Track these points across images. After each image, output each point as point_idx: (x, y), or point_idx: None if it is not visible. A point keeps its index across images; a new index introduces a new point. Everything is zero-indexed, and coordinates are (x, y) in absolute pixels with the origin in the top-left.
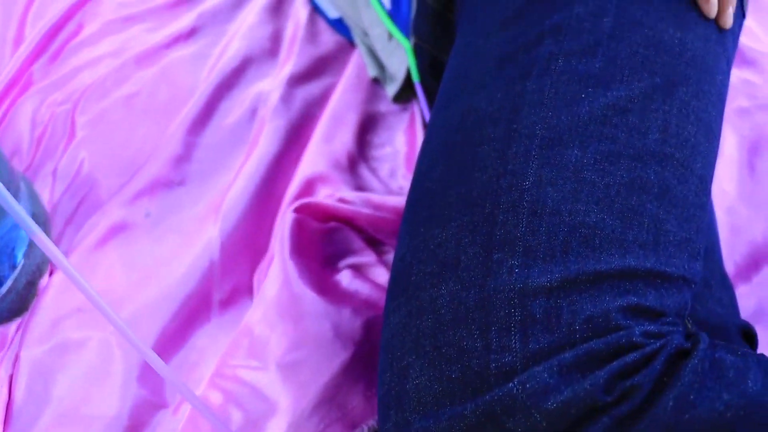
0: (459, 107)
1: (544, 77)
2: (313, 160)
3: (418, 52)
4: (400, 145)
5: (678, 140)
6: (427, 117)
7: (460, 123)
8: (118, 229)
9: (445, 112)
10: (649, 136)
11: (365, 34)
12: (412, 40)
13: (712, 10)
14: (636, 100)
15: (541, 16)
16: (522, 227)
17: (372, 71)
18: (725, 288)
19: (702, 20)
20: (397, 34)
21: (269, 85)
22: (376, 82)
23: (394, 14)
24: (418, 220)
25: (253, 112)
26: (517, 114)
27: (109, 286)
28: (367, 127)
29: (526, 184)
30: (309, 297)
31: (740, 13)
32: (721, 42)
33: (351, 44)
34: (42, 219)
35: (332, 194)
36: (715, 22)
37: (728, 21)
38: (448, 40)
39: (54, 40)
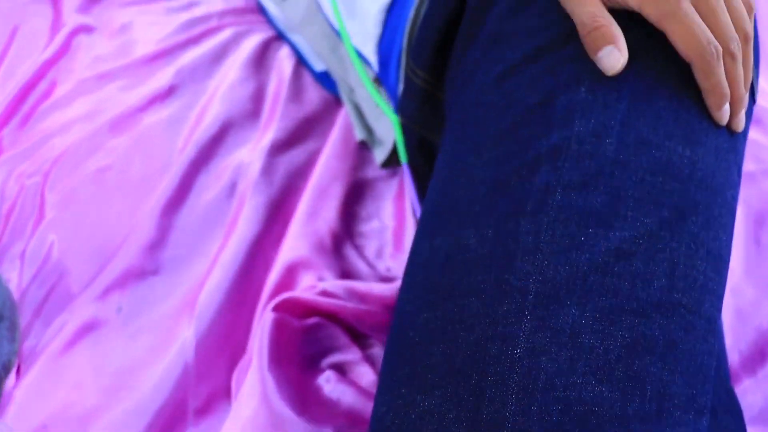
0: (446, 240)
1: (540, 215)
2: (294, 243)
3: (406, 130)
4: (388, 218)
5: (686, 283)
6: (415, 204)
7: (446, 261)
8: (88, 328)
9: (431, 243)
10: (654, 283)
11: (352, 90)
12: (400, 118)
13: (724, 117)
14: (641, 240)
15: (537, 132)
16: (511, 406)
17: (359, 134)
18: (732, 411)
19: (713, 128)
20: (384, 107)
21: (249, 154)
22: (364, 145)
23: (383, 78)
24: (400, 377)
25: (232, 187)
26: (509, 262)
27: (79, 397)
28: (354, 198)
29: (517, 353)
30: (287, 416)
31: (751, 102)
32: (733, 148)
33: (337, 100)
34: (8, 308)
35: (314, 285)
36: (726, 127)
37: (740, 124)
38: (437, 121)
39: (25, 101)
